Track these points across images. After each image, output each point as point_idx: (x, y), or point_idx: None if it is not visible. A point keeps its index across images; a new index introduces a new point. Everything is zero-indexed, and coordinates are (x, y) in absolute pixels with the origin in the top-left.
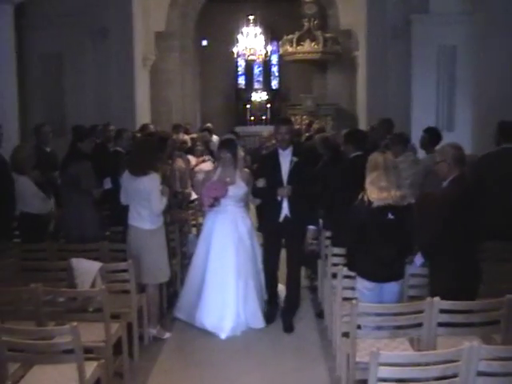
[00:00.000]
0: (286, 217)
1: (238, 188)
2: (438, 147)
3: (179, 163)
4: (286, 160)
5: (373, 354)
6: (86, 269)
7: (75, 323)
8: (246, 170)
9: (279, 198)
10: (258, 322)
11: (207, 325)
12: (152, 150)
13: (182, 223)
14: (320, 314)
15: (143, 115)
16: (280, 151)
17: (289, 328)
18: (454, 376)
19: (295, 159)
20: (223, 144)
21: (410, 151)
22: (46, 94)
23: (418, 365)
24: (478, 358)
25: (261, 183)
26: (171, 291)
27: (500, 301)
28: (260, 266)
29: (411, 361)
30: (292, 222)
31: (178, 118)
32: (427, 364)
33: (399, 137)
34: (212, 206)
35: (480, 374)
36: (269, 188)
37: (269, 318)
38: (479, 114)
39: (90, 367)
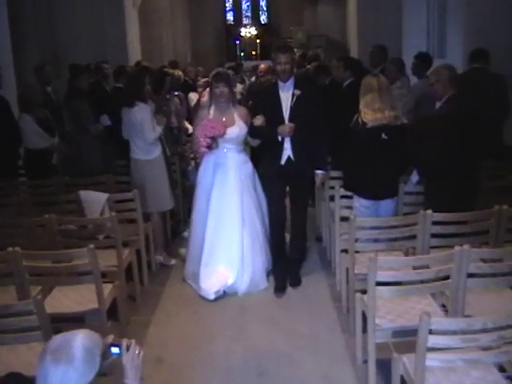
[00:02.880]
0: (288, 159)
1: (239, 128)
2: (429, 71)
3: (175, 100)
4: (287, 94)
5: (371, 259)
6: (94, 200)
7: (92, 245)
8: (242, 107)
9: (280, 138)
10: (262, 281)
11: (210, 293)
12: (139, 82)
13: (180, 157)
14: (319, 238)
15: (135, 54)
16: (280, 84)
17: (296, 282)
18: (447, 278)
19: (298, 92)
20: (219, 77)
21: (406, 77)
22: (39, 34)
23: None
24: (468, 260)
25: (259, 121)
26: (175, 220)
27: (489, 212)
28: (266, 217)
29: (407, 264)
30: (296, 165)
31: (170, 56)
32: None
33: (397, 62)
34: (209, 147)
35: (470, 275)
36: (268, 126)
37: (279, 287)
38: (470, 42)
39: (106, 289)
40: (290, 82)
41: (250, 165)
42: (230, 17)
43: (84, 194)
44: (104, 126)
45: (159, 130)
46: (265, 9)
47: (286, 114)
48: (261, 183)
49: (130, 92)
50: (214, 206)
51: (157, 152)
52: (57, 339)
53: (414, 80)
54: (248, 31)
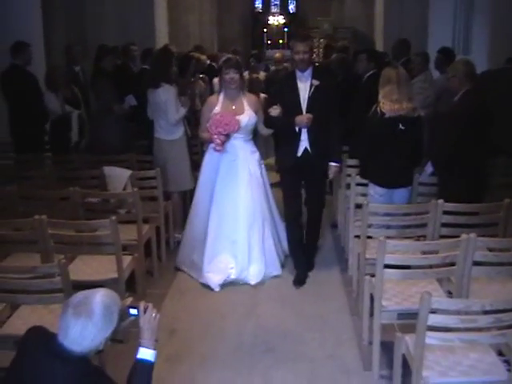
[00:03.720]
0: (305, 151)
1: (248, 117)
2: None
3: (200, 83)
4: (305, 84)
5: (380, 242)
6: (118, 175)
7: (114, 217)
8: (252, 95)
9: (297, 129)
10: (275, 268)
11: (215, 282)
12: (165, 63)
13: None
14: (334, 225)
15: (162, 40)
16: (298, 73)
17: (309, 266)
18: (452, 264)
19: (316, 82)
20: (229, 63)
21: (429, 71)
22: (68, 16)
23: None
24: (474, 247)
25: (276, 111)
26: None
27: (499, 204)
28: (274, 205)
29: (415, 249)
30: (312, 157)
31: (196, 42)
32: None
33: (423, 55)
34: (223, 143)
35: (476, 263)
36: (285, 117)
37: (299, 281)
38: (496, 41)
39: (126, 260)
40: (308, 72)
41: (257, 154)
42: (258, 4)
43: (108, 170)
44: (130, 106)
45: (183, 111)
46: None
47: (304, 104)
48: (279, 175)
49: (155, 73)
50: (218, 197)
51: (179, 133)
52: (78, 295)
53: (436, 74)
54: (276, 20)
